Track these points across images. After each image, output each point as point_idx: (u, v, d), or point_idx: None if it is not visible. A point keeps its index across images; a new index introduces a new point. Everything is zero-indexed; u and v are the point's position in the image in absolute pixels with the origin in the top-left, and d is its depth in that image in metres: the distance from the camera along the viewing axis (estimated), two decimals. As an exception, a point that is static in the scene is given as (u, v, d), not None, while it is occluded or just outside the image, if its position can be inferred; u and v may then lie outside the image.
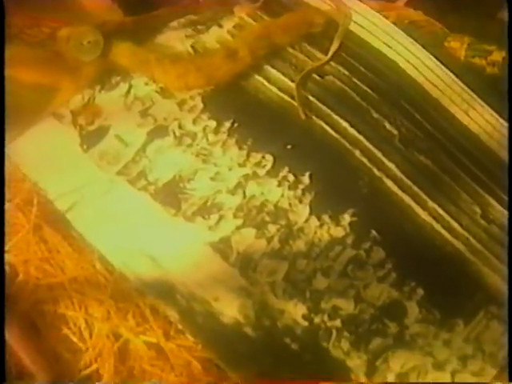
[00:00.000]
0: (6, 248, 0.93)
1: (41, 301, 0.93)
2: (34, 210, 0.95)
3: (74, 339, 0.92)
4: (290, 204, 0.95)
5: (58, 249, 0.94)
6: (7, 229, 0.93)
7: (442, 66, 1.02)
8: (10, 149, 0.96)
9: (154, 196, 0.95)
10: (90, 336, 0.91)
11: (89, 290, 0.93)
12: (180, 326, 0.91)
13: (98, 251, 0.93)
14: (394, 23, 1.06)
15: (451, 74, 1.01)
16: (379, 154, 0.97)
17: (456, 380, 0.89)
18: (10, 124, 0.95)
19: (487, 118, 1.00)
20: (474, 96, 1.01)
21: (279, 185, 0.96)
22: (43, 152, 0.97)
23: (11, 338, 0.89)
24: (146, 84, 1.01)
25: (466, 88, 1.01)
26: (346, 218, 0.94)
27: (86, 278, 0.93)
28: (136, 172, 0.96)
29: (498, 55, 1.02)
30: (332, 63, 1.02)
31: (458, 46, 1.04)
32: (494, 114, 1.00)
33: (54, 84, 1.00)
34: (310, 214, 0.94)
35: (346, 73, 1.01)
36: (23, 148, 0.97)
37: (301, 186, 0.95)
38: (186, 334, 0.91)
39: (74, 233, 0.94)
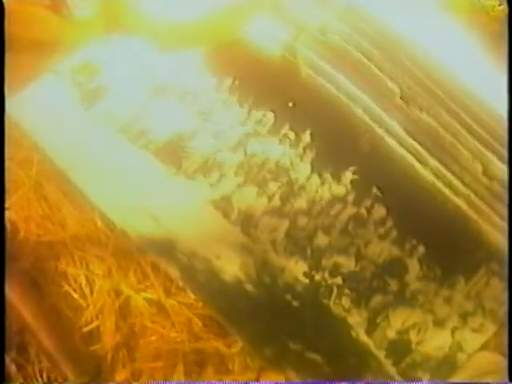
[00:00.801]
0: (7, 205, 0.93)
1: (42, 258, 0.93)
2: (35, 168, 0.95)
3: (75, 296, 0.92)
4: (291, 162, 0.95)
5: (58, 206, 0.94)
6: (8, 186, 0.92)
7: (445, 23, 1.01)
8: (10, 106, 0.95)
9: (154, 154, 0.95)
10: (91, 293, 0.92)
11: (90, 248, 0.93)
12: (181, 284, 0.91)
13: (99, 209, 0.93)
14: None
15: (453, 31, 1.01)
16: (380, 112, 0.97)
17: (456, 336, 0.89)
18: (10, 81, 0.94)
19: (488, 75, 0.99)
20: (476, 53, 1.00)
21: (280, 143, 0.96)
22: (43, 109, 0.97)
23: (12, 294, 0.89)
24: (147, 41, 1.01)
25: (467, 45, 1.01)
26: (347, 176, 0.94)
27: (87, 236, 0.93)
28: (137, 130, 0.96)
29: (501, 11, 1.01)
30: (334, 21, 1.01)
31: (461, 1, 1.03)
32: (495, 70, 0.99)
33: (53, 41, 1.00)
34: (311, 171, 0.94)
35: (348, 30, 1.01)
36: (23, 105, 0.97)
37: (302, 144, 0.95)
38: (187, 291, 0.91)
39: (75, 190, 0.94)
